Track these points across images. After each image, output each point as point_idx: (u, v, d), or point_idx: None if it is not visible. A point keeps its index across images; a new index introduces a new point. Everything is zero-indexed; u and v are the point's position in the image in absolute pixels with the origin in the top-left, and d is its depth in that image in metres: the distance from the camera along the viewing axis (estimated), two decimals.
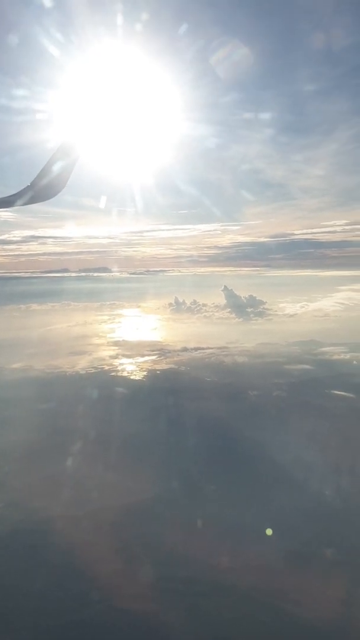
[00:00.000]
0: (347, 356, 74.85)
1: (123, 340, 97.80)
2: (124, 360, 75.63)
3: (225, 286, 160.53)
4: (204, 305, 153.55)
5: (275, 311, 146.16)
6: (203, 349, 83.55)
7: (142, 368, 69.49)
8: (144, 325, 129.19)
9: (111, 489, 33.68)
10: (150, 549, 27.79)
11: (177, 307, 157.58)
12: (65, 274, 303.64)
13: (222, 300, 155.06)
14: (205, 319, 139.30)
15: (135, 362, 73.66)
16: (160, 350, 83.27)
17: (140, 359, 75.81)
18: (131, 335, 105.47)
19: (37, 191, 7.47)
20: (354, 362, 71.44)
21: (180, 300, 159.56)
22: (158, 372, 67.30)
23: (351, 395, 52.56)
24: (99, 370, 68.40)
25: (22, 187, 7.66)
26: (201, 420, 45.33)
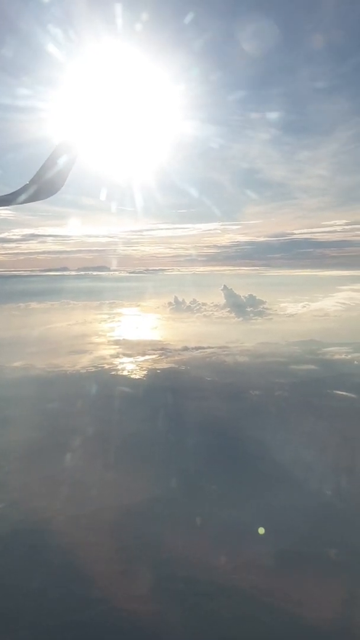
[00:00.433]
0: (349, 356, 74.84)
1: (123, 339, 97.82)
2: (125, 359, 75.64)
3: (224, 285, 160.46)
4: (204, 304, 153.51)
5: (275, 311, 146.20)
6: (203, 348, 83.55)
7: (142, 367, 69.49)
8: (144, 324, 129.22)
9: (112, 489, 33.64)
10: (150, 549, 27.75)
11: (177, 306, 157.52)
12: (65, 273, 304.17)
13: (222, 300, 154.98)
14: (205, 319, 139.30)
15: (136, 361, 73.65)
16: (161, 349, 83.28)
17: (141, 358, 75.81)
18: (131, 334, 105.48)
19: (37, 189, 7.42)
20: (355, 362, 71.43)
21: (180, 299, 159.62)
22: (158, 371, 67.31)
23: (353, 395, 52.56)
24: (100, 369, 68.41)
25: (22, 185, 7.61)
26: (202, 420, 45.30)
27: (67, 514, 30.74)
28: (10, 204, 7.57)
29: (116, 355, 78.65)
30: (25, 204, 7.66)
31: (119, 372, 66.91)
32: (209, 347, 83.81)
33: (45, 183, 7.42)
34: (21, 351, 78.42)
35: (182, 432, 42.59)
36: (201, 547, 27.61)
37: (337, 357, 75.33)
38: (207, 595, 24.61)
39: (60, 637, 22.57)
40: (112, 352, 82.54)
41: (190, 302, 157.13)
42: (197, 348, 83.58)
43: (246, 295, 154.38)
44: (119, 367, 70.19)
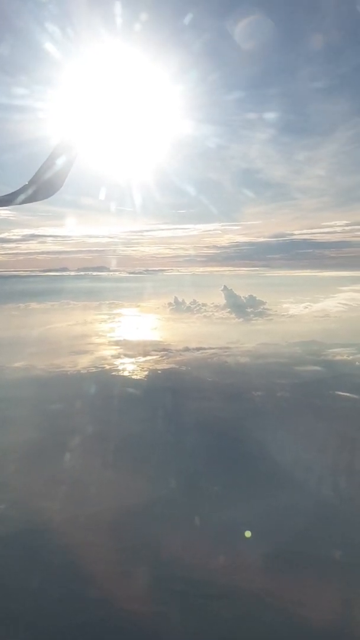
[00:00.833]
0: (350, 357, 74.68)
1: (123, 339, 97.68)
2: (125, 359, 75.57)
3: (224, 286, 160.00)
4: (204, 305, 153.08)
5: (276, 311, 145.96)
6: (204, 348, 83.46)
7: (143, 368, 69.44)
8: (144, 324, 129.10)
9: (112, 489, 33.62)
10: (151, 550, 27.73)
11: (177, 306, 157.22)
12: (65, 273, 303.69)
13: (222, 300, 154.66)
14: (205, 319, 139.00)
15: (136, 362, 73.57)
16: (161, 350, 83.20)
17: (142, 359, 75.72)
18: (131, 335, 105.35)
19: (36, 189, 7.42)
20: (357, 363, 71.32)
21: (180, 299, 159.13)
22: (159, 371, 67.25)
23: (355, 396, 52.41)
24: (100, 369, 68.35)
25: (21, 185, 7.61)
26: (203, 420, 45.25)
27: (68, 514, 30.72)
28: (10, 204, 7.57)
29: (117, 356, 78.60)
30: (24, 204, 7.67)
31: (120, 373, 66.86)
32: (209, 348, 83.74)
33: (45, 183, 7.43)
34: (21, 351, 78.32)
35: (183, 433, 42.55)
36: (201, 548, 27.60)
37: (338, 358, 75.19)
38: (207, 596, 24.60)
39: (60, 637, 22.57)
40: (113, 352, 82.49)
41: (190, 303, 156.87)
42: (197, 349, 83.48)
43: (246, 296, 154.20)
44: (120, 367, 70.13)
